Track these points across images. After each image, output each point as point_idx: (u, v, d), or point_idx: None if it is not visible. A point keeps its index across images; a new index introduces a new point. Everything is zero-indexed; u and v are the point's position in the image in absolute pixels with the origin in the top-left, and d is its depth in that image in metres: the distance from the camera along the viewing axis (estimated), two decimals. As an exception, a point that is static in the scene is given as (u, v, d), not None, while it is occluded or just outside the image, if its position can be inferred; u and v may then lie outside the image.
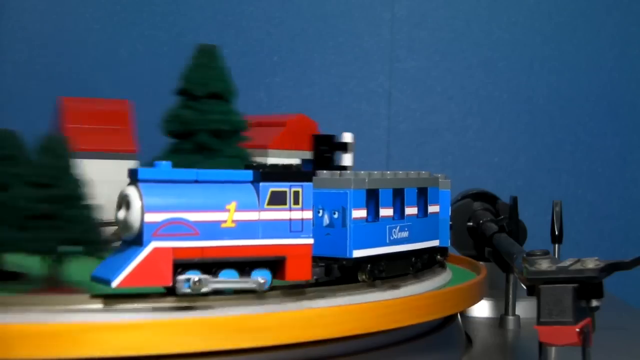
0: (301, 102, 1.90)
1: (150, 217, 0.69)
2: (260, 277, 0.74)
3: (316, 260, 0.80)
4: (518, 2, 1.95)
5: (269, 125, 1.27)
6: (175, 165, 0.74)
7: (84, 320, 0.67)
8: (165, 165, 0.73)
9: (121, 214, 0.71)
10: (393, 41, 1.94)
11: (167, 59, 1.90)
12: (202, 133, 0.99)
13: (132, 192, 0.70)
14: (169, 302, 0.71)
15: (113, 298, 0.70)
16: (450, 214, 1.04)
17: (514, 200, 1.08)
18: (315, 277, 0.80)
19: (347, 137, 1.14)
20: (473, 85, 1.94)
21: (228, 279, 0.73)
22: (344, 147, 1.16)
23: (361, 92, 1.93)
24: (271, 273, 0.75)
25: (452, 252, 1.20)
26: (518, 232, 1.07)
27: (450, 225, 1.18)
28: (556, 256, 1.10)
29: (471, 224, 1.19)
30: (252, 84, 1.88)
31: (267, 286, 0.75)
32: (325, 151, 1.15)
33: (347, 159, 1.16)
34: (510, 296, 1.11)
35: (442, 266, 1.04)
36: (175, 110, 1.02)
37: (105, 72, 1.90)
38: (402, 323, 0.80)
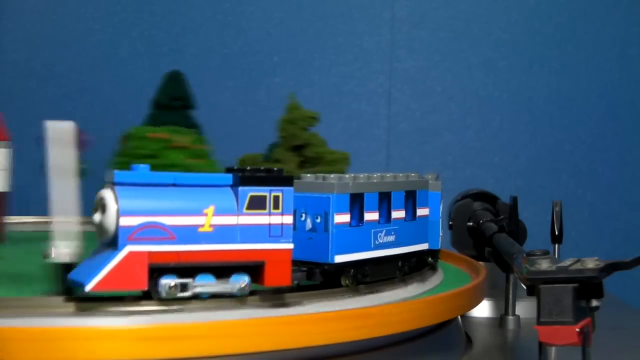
0: (301, 102, 1.90)
1: (125, 221, 0.69)
2: (241, 282, 0.73)
3: (298, 264, 0.80)
4: (518, 2, 1.95)
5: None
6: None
7: (57, 324, 0.67)
8: (142, 168, 0.72)
9: (97, 217, 0.70)
10: (393, 41, 1.93)
11: (167, 59, 1.90)
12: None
13: (108, 195, 0.70)
14: (143, 306, 0.71)
15: (87, 301, 0.70)
16: (444, 214, 1.04)
17: (514, 200, 1.08)
18: (296, 281, 0.80)
19: None
20: (473, 85, 1.94)
21: (210, 283, 0.72)
22: None
23: (361, 92, 1.93)
24: (250, 278, 0.74)
25: (453, 252, 1.20)
26: (518, 232, 1.07)
27: (450, 225, 1.18)
28: (556, 256, 1.10)
29: (471, 224, 1.18)
30: (252, 84, 1.88)
31: (246, 291, 0.74)
32: None
33: None
34: (510, 296, 1.11)
35: (433, 268, 1.03)
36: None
37: (105, 72, 1.90)
38: (382, 332, 0.79)
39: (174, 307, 0.71)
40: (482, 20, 1.94)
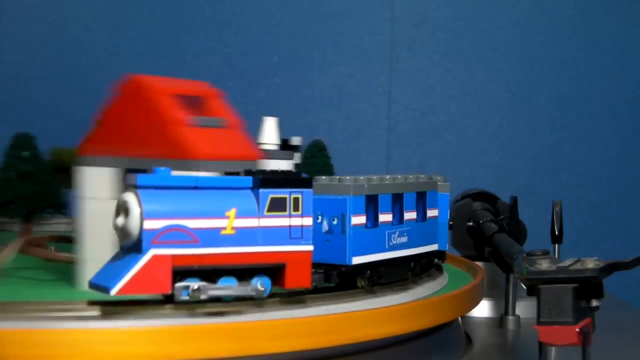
0: (301, 102, 1.90)
1: (149, 224, 0.68)
2: (260, 284, 0.73)
3: (315, 266, 0.79)
4: (518, 2, 1.95)
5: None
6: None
7: (81, 327, 0.67)
8: (164, 171, 0.71)
9: (120, 220, 0.70)
10: (393, 41, 1.93)
11: (167, 59, 1.90)
12: None
13: (131, 199, 0.69)
14: (167, 309, 0.71)
15: (111, 305, 0.70)
16: (450, 214, 1.04)
17: (514, 200, 1.08)
18: (314, 283, 0.80)
19: (297, 140, 1.25)
20: (473, 85, 1.94)
21: (227, 286, 0.72)
22: (295, 148, 1.24)
23: (361, 92, 1.93)
24: (270, 280, 0.75)
25: (451, 252, 1.20)
26: (518, 232, 1.07)
27: (450, 225, 1.18)
28: (556, 256, 1.10)
29: (471, 224, 1.18)
30: (252, 84, 1.88)
31: (266, 293, 0.74)
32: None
33: (297, 157, 1.26)
34: (510, 296, 1.11)
35: (439, 270, 1.03)
36: None
37: (105, 72, 1.90)
38: (402, 330, 0.81)
39: (197, 311, 0.71)
40: (482, 20, 1.94)
